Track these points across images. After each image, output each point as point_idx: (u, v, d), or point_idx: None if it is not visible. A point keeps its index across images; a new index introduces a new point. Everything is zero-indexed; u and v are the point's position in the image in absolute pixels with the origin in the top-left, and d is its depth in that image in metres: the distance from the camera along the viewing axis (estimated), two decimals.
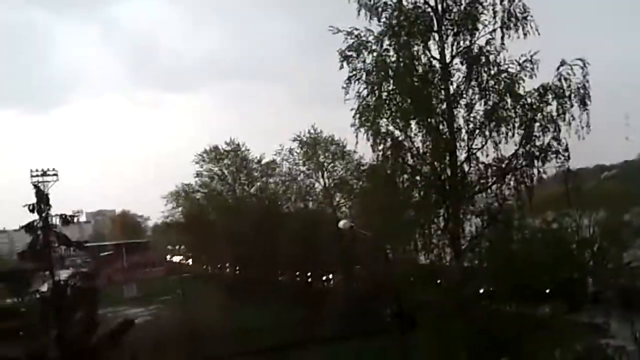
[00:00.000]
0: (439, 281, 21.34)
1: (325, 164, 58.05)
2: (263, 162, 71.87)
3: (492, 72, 18.97)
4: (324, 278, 63.42)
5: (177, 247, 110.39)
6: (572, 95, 18.21)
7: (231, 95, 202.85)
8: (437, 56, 19.43)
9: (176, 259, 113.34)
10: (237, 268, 78.86)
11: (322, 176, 58.44)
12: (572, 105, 18.28)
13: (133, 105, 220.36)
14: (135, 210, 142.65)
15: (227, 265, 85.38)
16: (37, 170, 32.26)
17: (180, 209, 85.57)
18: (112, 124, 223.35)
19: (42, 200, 22.63)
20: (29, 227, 22.63)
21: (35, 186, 23.43)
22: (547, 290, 21.58)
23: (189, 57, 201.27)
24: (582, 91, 18.18)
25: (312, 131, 58.25)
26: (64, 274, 23.55)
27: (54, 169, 33.16)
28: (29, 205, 22.45)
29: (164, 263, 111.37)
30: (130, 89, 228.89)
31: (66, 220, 23.39)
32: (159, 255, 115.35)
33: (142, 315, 65.09)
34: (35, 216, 22.66)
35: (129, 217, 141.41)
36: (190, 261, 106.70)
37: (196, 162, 76.01)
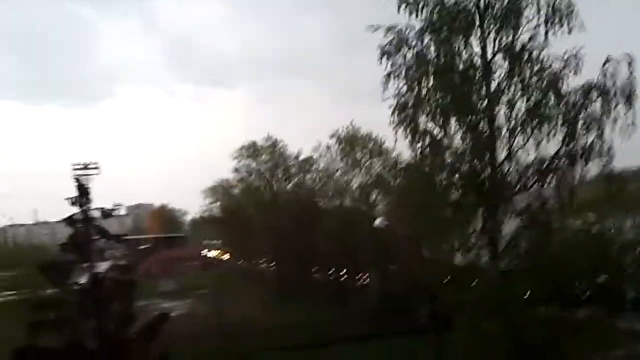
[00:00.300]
0: (475, 282, 21.02)
1: (362, 161, 57.86)
2: (300, 158, 72.11)
3: (535, 68, 18.63)
4: (359, 276, 63.25)
5: (214, 241, 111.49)
6: (618, 93, 17.73)
7: (270, 90, 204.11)
8: (479, 52, 19.16)
9: (213, 253, 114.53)
10: (273, 264, 79.22)
11: (359, 173, 58.27)
12: (617, 104, 17.81)
13: (173, 99, 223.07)
14: (173, 205, 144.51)
15: (262, 260, 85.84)
16: (78, 164, 32.85)
17: (217, 203, 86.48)
18: (153, 118, 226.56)
19: (83, 194, 22.87)
20: (69, 220, 22.88)
21: (77, 179, 23.71)
22: (586, 294, 21.12)
23: (229, 53, 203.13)
24: (628, 89, 17.71)
25: (349, 128, 58.18)
26: (102, 267, 23.81)
27: (95, 162, 33.76)
28: (70, 198, 22.74)
29: (201, 257, 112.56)
30: (171, 83, 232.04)
31: (106, 213, 23.60)
32: (196, 249, 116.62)
33: (178, 309, 65.82)
34: (76, 209, 22.92)
35: (167, 211, 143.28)
36: (226, 256, 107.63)
37: (234, 158, 76.66)
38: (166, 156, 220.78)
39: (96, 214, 23.25)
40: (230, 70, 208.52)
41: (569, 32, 18.33)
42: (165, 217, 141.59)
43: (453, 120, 19.23)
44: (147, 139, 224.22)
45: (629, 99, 17.70)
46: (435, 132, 19.56)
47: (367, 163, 57.72)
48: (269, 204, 72.10)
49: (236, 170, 77.97)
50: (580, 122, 18.36)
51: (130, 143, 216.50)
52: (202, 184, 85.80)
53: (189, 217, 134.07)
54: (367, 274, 61.04)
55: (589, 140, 18.47)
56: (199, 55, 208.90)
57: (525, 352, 18.70)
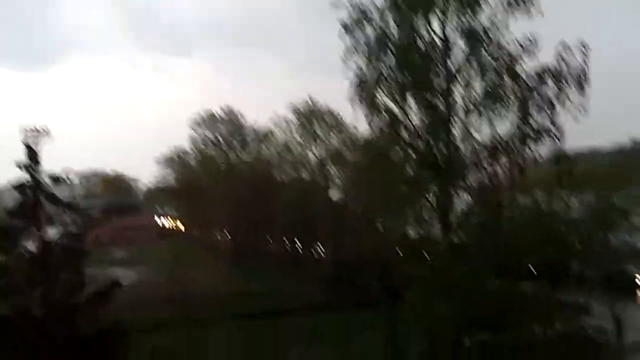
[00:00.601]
0: (427, 256, 21.41)
1: (320, 134, 57.90)
2: (258, 130, 71.78)
3: (493, 51, 18.83)
4: (315, 248, 63.67)
5: (168, 210, 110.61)
6: (570, 78, 18.12)
7: (230, 61, 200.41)
8: (439, 32, 19.28)
9: (167, 222, 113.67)
10: (228, 234, 79.11)
11: (317, 147, 58.35)
12: (570, 88, 18.20)
13: (130, 66, 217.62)
14: (127, 172, 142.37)
15: (219, 230, 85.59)
16: (29, 128, 31.90)
17: (173, 173, 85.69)
18: (109, 84, 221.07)
19: (32, 159, 22.34)
20: (18, 185, 22.37)
21: (26, 144, 23.09)
22: (533, 269, 21.74)
23: (188, 21, 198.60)
24: (580, 74, 18.10)
25: (308, 101, 58.09)
26: (52, 233, 23.39)
27: (46, 127, 32.84)
28: (19, 163, 22.18)
29: (155, 226, 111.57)
30: (129, 50, 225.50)
31: (57, 179, 23.08)
32: (150, 218, 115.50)
33: (130, 277, 65.31)
34: (25, 174, 22.37)
35: (120, 178, 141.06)
36: (181, 225, 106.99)
37: (191, 127, 75.95)
38: (122, 123, 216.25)
39: (46, 179, 22.77)
40: (190, 39, 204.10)
41: (528, 17, 18.58)
42: (119, 184, 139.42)
43: (411, 98, 19.39)
44: (103, 105, 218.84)
45: (580, 84, 18.10)
46: (393, 108, 19.68)
47: (325, 137, 57.81)
48: (226, 174, 71.76)
49: (193, 140, 77.36)
50: (534, 105, 18.69)
51: (85, 109, 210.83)
52: (158, 153, 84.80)
53: (143, 186, 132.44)
54: (323, 246, 61.52)
55: (542, 122, 18.84)
56: (158, 23, 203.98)
57: (473, 326, 19.20)
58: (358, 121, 20.28)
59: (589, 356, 19.77)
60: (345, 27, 19.45)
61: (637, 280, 44.18)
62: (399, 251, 23.76)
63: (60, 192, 24.86)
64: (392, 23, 19.26)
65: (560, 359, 19.25)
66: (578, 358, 19.44)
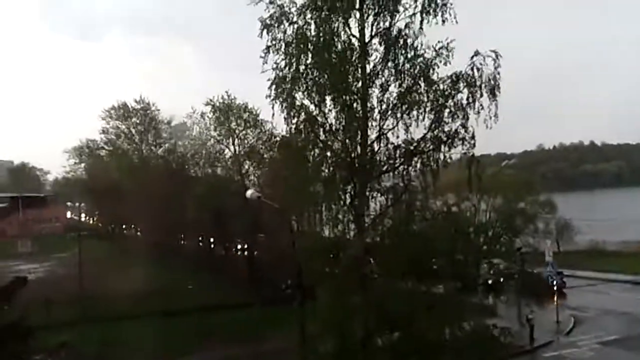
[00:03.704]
0: (341, 255, 21.67)
1: (236, 131, 57.50)
2: (173, 123, 70.70)
3: (409, 55, 19.19)
4: (228, 246, 63.27)
5: (77, 204, 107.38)
6: (483, 85, 18.73)
7: (145, 50, 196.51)
8: (357, 34, 19.53)
9: (76, 216, 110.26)
10: (139, 230, 77.50)
11: (233, 143, 57.93)
12: (482, 95, 18.80)
13: (38, 49, 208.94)
14: (34, 163, 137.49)
15: (129, 226, 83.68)
16: None
17: (83, 165, 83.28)
18: (15, 67, 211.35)
19: None
20: None
21: None
22: (443, 270, 22.38)
23: (102, 5, 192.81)
24: (492, 82, 18.72)
25: (225, 97, 57.55)
26: None
27: None
28: None
29: (63, 219, 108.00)
30: (37, 32, 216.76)
31: None
32: (57, 211, 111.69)
33: (36, 271, 63.06)
34: None
35: (27, 169, 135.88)
36: (90, 219, 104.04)
37: (103, 118, 74.05)
38: (29, 111, 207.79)
39: None
40: (104, 25, 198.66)
41: (443, 23, 19.05)
42: (26, 175, 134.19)
43: (328, 99, 19.53)
44: (8, 90, 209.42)
45: (492, 91, 18.67)
46: (310, 108, 19.80)
47: (242, 133, 57.50)
48: (138, 168, 70.35)
49: (104, 131, 75.48)
50: (447, 110, 19.20)
51: None
52: (67, 144, 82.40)
53: (51, 177, 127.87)
54: (237, 244, 61.25)
55: (454, 127, 19.39)
56: (71, 5, 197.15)
57: (381, 323, 19.60)
58: (276, 119, 20.23)
59: (492, 355, 20.56)
60: (264, 24, 19.41)
61: (549, 283, 46.16)
62: (312, 250, 23.92)
63: None
64: (311, 22, 19.32)
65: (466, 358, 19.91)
66: (482, 357, 20.17)
